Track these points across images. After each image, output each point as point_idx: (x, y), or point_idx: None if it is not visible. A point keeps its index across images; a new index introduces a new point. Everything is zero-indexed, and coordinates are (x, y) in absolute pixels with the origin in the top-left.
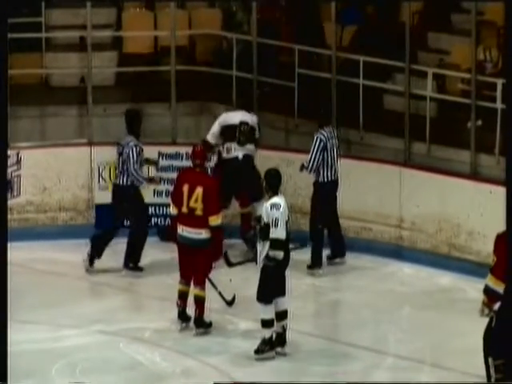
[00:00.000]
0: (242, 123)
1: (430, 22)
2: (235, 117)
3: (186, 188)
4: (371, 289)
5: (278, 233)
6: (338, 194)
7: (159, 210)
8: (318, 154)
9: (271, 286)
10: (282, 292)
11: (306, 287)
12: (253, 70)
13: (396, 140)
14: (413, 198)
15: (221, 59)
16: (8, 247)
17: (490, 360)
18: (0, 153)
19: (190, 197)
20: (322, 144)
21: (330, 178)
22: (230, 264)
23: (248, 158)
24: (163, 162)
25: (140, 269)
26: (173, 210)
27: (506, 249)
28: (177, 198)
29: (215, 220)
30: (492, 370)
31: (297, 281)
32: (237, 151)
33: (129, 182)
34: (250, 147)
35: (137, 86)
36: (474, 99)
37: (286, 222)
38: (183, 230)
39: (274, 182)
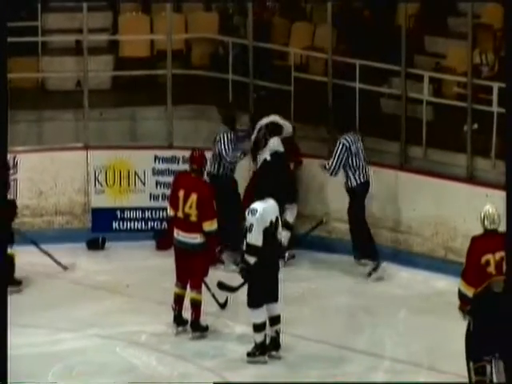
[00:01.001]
0: (267, 125)
1: (427, 26)
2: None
3: (181, 193)
4: (367, 292)
5: (252, 238)
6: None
7: (156, 213)
8: (341, 156)
9: (258, 290)
10: (273, 297)
11: (302, 290)
12: (249, 73)
13: (392, 143)
14: (409, 201)
15: (217, 63)
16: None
17: (471, 363)
18: (0, 156)
19: (185, 202)
20: (344, 148)
21: (360, 180)
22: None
23: (276, 156)
24: (159, 166)
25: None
26: (170, 212)
27: (474, 253)
28: (173, 201)
29: (209, 225)
30: (472, 373)
31: (293, 284)
32: (264, 154)
33: (225, 172)
34: (274, 143)
35: (133, 89)
36: (470, 103)
37: (266, 228)
38: (179, 234)
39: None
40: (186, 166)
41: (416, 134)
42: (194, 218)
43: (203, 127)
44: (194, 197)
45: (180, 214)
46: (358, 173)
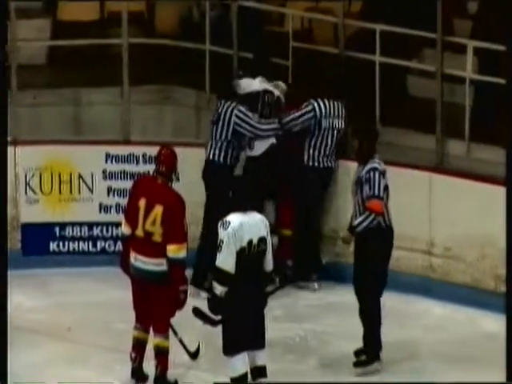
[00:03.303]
0: (266, 92)
1: None
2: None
3: (142, 203)
4: (388, 336)
5: (221, 260)
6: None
7: (107, 230)
8: (303, 118)
9: (235, 333)
10: (256, 342)
11: (303, 334)
12: (233, 43)
13: (425, 137)
14: (447, 214)
15: (189, 29)
16: None
17: None
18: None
19: (146, 217)
20: (312, 112)
21: (320, 164)
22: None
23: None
24: (112, 167)
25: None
26: (125, 229)
27: None
28: (131, 214)
29: (175, 251)
30: None
31: (293, 325)
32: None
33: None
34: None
35: (76, 64)
36: None
37: (242, 249)
38: (136, 259)
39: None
40: (148, 167)
41: (456, 124)
42: (157, 238)
43: (169, 115)
44: (158, 209)
45: (139, 232)
46: (321, 153)
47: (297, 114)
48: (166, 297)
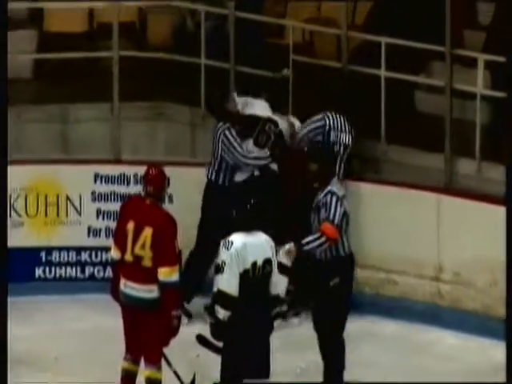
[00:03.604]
0: (269, 121)
1: None
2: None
3: (130, 226)
4: (398, 367)
5: (223, 282)
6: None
7: (96, 255)
8: (311, 126)
9: (237, 361)
10: (261, 372)
11: (305, 365)
12: (229, 56)
13: (433, 156)
14: (456, 237)
15: (184, 41)
16: None
17: None
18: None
19: (135, 240)
20: (322, 122)
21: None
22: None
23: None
24: (101, 188)
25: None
26: (114, 254)
27: None
28: (119, 238)
29: (167, 274)
30: None
31: (293, 355)
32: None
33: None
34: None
35: (64, 79)
36: None
37: (246, 271)
38: (126, 286)
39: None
40: (140, 188)
41: (467, 141)
42: (147, 263)
43: (162, 132)
44: (147, 232)
45: (128, 257)
46: None
47: (306, 122)
48: (158, 324)
